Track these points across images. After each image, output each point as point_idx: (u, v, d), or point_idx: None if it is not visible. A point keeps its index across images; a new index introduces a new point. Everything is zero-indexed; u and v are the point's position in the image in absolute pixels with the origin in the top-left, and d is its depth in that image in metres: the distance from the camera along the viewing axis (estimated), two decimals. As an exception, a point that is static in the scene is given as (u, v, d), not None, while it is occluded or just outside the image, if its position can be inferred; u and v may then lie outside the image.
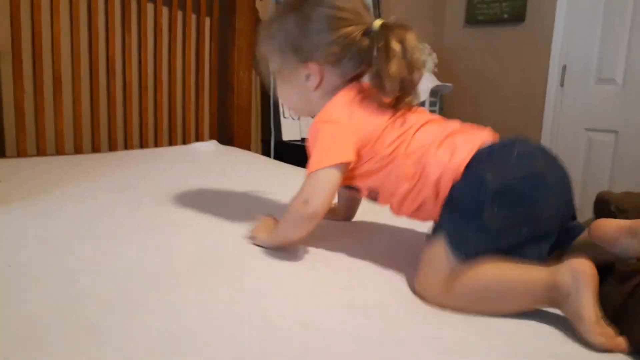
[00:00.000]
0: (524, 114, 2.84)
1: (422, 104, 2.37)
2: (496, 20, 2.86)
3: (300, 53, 0.79)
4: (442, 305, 0.64)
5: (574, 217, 0.74)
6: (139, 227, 0.85)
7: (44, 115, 1.45)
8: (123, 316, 0.55)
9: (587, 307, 0.56)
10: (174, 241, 0.79)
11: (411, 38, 0.76)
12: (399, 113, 0.77)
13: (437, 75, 2.54)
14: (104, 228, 0.84)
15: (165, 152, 1.59)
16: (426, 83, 2.35)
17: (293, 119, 2.04)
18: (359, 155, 0.74)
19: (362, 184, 0.79)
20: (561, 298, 0.59)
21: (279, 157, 1.96)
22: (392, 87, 0.74)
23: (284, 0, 0.86)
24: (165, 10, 1.73)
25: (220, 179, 1.26)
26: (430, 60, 2.52)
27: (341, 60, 0.78)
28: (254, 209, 0.99)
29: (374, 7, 2.48)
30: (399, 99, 0.77)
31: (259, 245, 0.79)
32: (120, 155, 1.52)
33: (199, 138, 1.87)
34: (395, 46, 0.74)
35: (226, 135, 1.93)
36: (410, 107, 0.79)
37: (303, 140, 2.04)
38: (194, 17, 1.81)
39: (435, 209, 0.72)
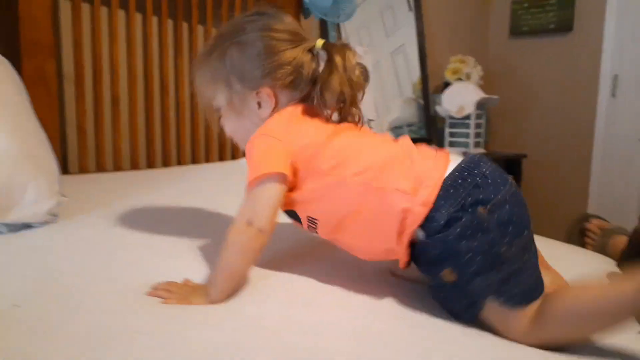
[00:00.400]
0: (574, 126, 2.77)
1: (468, 117, 2.35)
2: (542, 31, 2.82)
3: (249, 81, 0.77)
4: (541, 342, 0.61)
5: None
6: (193, 243, 0.89)
7: (104, 134, 1.54)
8: (184, 326, 0.59)
9: None
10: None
11: (351, 57, 0.76)
12: (342, 129, 0.75)
13: (483, 87, 2.52)
14: (162, 241, 0.89)
15: (216, 167, 1.65)
16: (472, 96, 2.33)
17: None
18: (294, 171, 0.71)
19: (302, 211, 0.74)
20: None
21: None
22: (332, 100, 0.74)
23: (218, 31, 0.84)
24: (200, 29, 1.80)
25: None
26: (475, 72, 2.50)
27: (293, 82, 0.76)
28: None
29: (417, 21, 2.50)
30: (342, 115, 0.77)
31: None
32: (174, 170, 1.59)
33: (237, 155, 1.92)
34: (338, 61, 0.74)
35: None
36: (356, 125, 0.78)
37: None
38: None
39: (398, 248, 0.68)
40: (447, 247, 0.63)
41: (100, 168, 1.54)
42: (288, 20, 0.79)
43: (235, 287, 0.68)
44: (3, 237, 0.87)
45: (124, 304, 0.63)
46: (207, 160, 1.81)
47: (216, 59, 0.78)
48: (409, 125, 2.46)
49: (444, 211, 0.64)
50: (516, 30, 2.92)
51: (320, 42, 0.77)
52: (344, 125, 0.77)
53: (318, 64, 0.77)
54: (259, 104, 0.77)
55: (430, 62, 2.57)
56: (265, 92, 0.76)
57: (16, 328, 0.55)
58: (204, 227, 0.97)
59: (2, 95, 0.98)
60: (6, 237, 0.87)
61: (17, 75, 1.12)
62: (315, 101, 0.76)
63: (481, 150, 2.43)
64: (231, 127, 0.82)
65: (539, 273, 0.65)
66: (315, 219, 0.73)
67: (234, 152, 1.90)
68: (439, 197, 0.65)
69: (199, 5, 1.73)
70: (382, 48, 2.38)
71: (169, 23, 1.70)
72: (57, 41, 1.47)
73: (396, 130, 2.41)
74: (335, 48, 0.76)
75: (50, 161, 1.00)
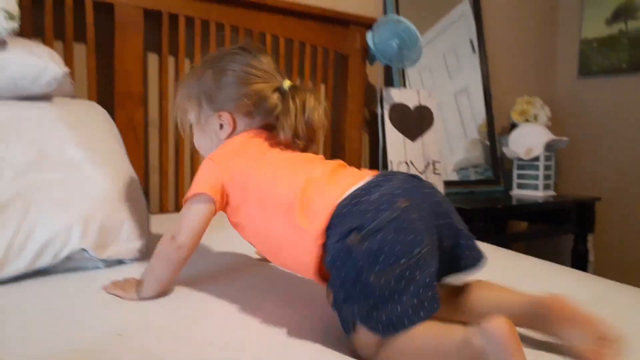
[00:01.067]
0: (651, 167, 2.64)
1: (536, 159, 2.31)
2: (614, 70, 2.75)
3: (214, 103, 0.87)
4: None
5: (466, 237, 0.70)
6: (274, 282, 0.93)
7: (183, 176, 1.65)
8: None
9: None
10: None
11: (311, 100, 0.84)
12: (284, 157, 0.81)
13: (551, 129, 2.47)
14: (236, 273, 0.94)
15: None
16: (540, 137, 2.29)
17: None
18: (226, 196, 0.78)
19: (241, 232, 0.82)
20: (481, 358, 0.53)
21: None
22: (285, 136, 0.82)
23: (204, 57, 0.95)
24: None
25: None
26: (542, 114, 2.46)
27: (252, 112, 0.86)
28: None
29: (481, 63, 2.51)
30: (303, 149, 0.84)
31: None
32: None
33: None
34: (294, 104, 0.82)
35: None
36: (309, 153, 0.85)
37: (412, 196, 2.08)
38: (310, 84, 1.97)
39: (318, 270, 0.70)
40: (329, 273, 0.66)
41: (178, 208, 1.64)
42: (265, 60, 0.88)
43: (159, 289, 0.80)
44: (101, 272, 0.95)
45: (222, 330, 0.67)
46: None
47: (194, 79, 0.90)
48: (475, 166, 2.45)
49: (332, 240, 0.66)
50: (585, 70, 2.86)
51: (287, 84, 0.86)
52: (294, 153, 0.83)
53: (282, 102, 0.84)
54: (221, 126, 0.87)
55: (495, 103, 2.56)
56: (225, 116, 0.86)
57: (124, 357, 0.61)
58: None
59: (103, 142, 1.09)
60: (104, 271, 0.96)
61: (114, 123, 1.24)
62: (275, 133, 0.84)
63: (551, 193, 2.36)
64: (197, 141, 0.93)
65: (427, 296, 0.60)
66: (255, 243, 0.81)
67: None
68: (329, 227, 0.67)
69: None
70: (445, 89, 2.40)
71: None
72: (145, 91, 1.61)
73: (462, 172, 2.40)
74: (296, 91, 0.85)
75: (141, 202, 1.09)
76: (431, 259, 0.63)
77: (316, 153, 0.86)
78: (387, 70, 2.26)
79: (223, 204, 0.79)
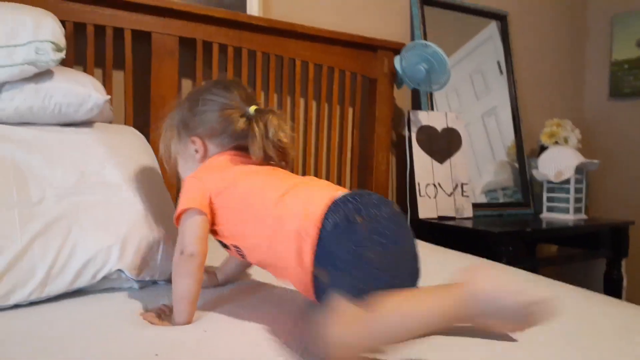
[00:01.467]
0: (688, 191, 2.57)
1: (567, 181, 2.27)
2: (646, 92, 2.70)
3: (188, 129, 0.95)
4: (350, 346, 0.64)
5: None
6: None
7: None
8: None
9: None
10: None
11: (274, 120, 0.90)
12: (258, 171, 0.88)
13: (582, 151, 2.44)
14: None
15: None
16: (570, 160, 2.27)
17: (428, 196, 2.09)
18: (213, 207, 0.85)
19: (229, 241, 0.87)
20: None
21: (415, 234, 2.00)
22: (256, 156, 0.89)
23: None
24: (314, 104, 1.94)
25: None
26: (572, 136, 2.44)
27: (220, 136, 0.94)
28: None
29: (509, 85, 2.51)
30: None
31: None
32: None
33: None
34: (258, 127, 0.89)
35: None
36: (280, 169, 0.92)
37: (440, 218, 2.07)
38: (339, 108, 2.00)
39: (301, 273, 0.76)
40: (325, 248, 0.72)
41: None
42: (236, 91, 0.96)
43: (190, 309, 0.82)
44: (136, 293, 0.99)
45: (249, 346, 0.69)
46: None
47: (176, 110, 1.00)
48: (504, 189, 2.43)
49: (330, 220, 0.73)
50: (617, 92, 2.82)
51: (252, 109, 0.93)
52: (267, 168, 0.90)
53: (248, 125, 0.91)
54: (196, 150, 0.95)
55: (524, 125, 2.55)
56: (197, 140, 0.95)
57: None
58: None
59: (140, 165, 1.14)
60: (139, 292, 0.99)
61: (150, 146, 1.29)
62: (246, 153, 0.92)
63: (582, 216, 2.32)
64: (180, 169, 1.00)
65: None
66: (241, 248, 0.86)
67: None
68: (326, 214, 0.74)
69: (300, 81, 1.88)
70: (472, 111, 2.40)
71: (275, 97, 1.86)
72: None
73: (490, 194, 2.38)
74: (260, 115, 0.91)
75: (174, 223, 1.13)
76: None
77: (287, 168, 0.95)
78: (415, 93, 2.28)
79: (212, 216, 0.86)
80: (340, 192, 0.79)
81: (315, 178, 0.91)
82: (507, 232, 1.89)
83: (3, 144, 0.98)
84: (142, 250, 1.00)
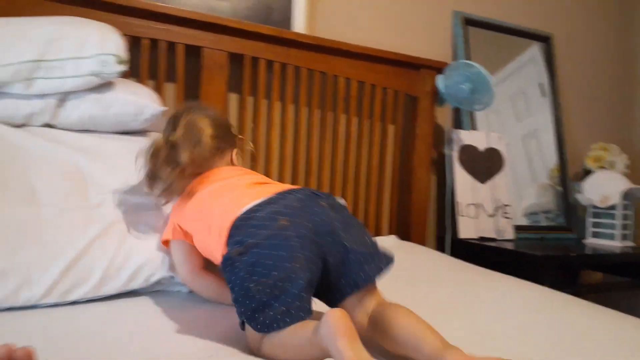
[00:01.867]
0: None
1: (613, 207, 2.21)
2: (698, 117, 2.62)
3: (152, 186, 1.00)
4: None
5: (356, 254, 0.77)
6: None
7: (256, 209, 1.72)
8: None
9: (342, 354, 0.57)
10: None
11: (180, 132, 0.97)
12: (215, 189, 0.93)
13: (630, 177, 2.37)
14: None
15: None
16: (617, 185, 2.21)
17: (469, 216, 2.07)
18: (184, 230, 0.93)
19: (204, 254, 0.93)
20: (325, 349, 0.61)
21: (455, 254, 1.98)
22: (192, 169, 0.97)
23: None
24: (355, 120, 1.96)
25: (403, 272, 1.33)
26: (620, 161, 2.37)
27: (163, 176, 0.96)
28: (431, 300, 1.04)
29: (553, 107, 2.47)
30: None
31: None
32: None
33: (379, 232, 1.99)
34: (178, 136, 0.96)
35: (403, 230, 2.03)
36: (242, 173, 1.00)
37: (481, 239, 2.05)
38: (380, 125, 2.02)
39: None
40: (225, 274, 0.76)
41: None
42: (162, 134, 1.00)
43: (221, 300, 0.96)
44: (184, 295, 1.01)
45: None
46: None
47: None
48: (546, 212, 2.38)
49: (227, 249, 0.78)
50: (666, 117, 2.74)
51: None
52: (219, 183, 0.95)
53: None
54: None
55: (568, 147, 2.50)
56: (160, 195, 1.00)
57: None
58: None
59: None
60: (187, 295, 1.01)
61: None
62: None
63: (630, 244, 2.25)
64: None
65: (294, 305, 0.69)
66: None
67: (380, 230, 1.98)
68: (229, 238, 0.79)
69: (343, 98, 1.91)
70: (513, 133, 2.38)
71: (318, 113, 1.89)
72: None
73: (532, 217, 2.33)
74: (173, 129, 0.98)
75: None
76: (303, 273, 0.71)
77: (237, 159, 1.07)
78: (456, 113, 2.28)
79: (189, 238, 0.94)
80: (251, 202, 0.82)
81: (257, 183, 0.94)
82: (551, 256, 1.84)
83: (68, 150, 1.03)
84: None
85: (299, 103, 1.83)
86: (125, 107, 1.13)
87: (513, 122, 2.39)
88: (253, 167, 1.72)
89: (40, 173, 0.98)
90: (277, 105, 1.79)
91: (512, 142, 2.36)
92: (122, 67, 1.11)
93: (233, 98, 1.77)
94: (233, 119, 1.74)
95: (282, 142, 1.80)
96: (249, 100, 1.76)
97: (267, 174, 1.75)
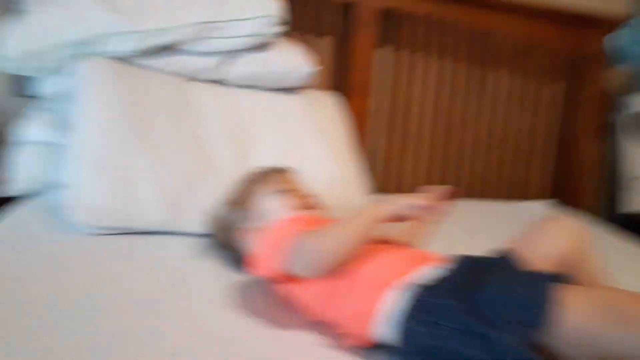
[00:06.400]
0: None
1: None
2: None
3: None
4: None
5: None
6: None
7: (405, 160, 1.76)
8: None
9: None
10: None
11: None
12: None
13: None
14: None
15: (500, 207, 1.70)
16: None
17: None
18: None
19: None
20: None
21: (618, 229, 1.79)
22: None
23: None
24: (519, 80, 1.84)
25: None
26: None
27: None
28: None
29: None
30: None
31: None
32: (461, 204, 1.66)
33: (536, 196, 1.90)
34: None
35: (561, 196, 1.90)
36: None
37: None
38: (536, 86, 1.87)
39: None
40: None
41: (399, 190, 1.74)
42: None
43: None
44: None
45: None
46: (495, 197, 1.85)
47: None
48: None
49: None
50: None
51: None
52: None
53: None
54: None
55: None
56: None
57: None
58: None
59: (332, 129, 1.26)
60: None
61: (346, 111, 1.39)
62: None
63: None
64: None
65: None
66: None
67: (526, 194, 1.90)
68: None
69: (493, 53, 1.81)
70: None
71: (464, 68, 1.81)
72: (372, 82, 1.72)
73: None
74: None
75: (363, 184, 1.24)
76: None
77: None
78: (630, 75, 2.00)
79: None
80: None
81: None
82: None
83: (234, 109, 1.17)
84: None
85: (445, 61, 1.77)
86: (282, 66, 1.23)
87: None
88: (403, 124, 1.74)
89: (206, 125, 1.13)
90: (430, 61, 1.76)
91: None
92: (281, 28, 1.20)
93: (381, 53, 1.75)
94: (382, 74, 1.75)
95: (436, 99, 1.77)
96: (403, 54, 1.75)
97: (419, 129, 1.76)
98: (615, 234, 1.53)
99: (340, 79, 1.69)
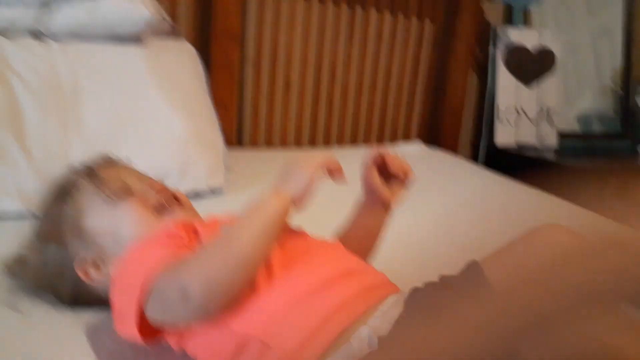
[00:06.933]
0: None
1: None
2: None
3: None
4: None
5: None
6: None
7: (274, 113, 1.70)
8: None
9: None
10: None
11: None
12: None
13: None
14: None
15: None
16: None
17: (509, 121, 1.93)
18: None
19: None
20: None
21: (489, 163, 1.88)
22: None
23: None
24: (388, 17, 1.80)
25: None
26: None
27: None
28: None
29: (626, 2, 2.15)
30: None
31: None
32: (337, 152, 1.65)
33: (407, 138, 1.92)
34: None
35: (433, 136, 1.94)
36: None
37: (519, 146, 1.93)
38: (415, 22, 1.84)
39: None
40: None
41: (268, 142, 1.70)
42: None
43: None
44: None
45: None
46: (366, 141, 1.85)
47: None
48: (600, 118, 2.17)
49: None
50: None
51: None
52: None
53: None
54: None
55: (636, 47, 2.21)
56: None
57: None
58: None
59: (181, 82, 1.16)
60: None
61: (200, 61, 1.29)
62: None
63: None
64: None
65: None
66: None
67: (393, 135, 1.91)
68: None
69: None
70: (581, 29, 2.12)
71: (344, 9, 1.74)
72: (242, 29, 1.63)
73: (584, 123, 2.14)
74: None
75: (218, 141, 1.16)
76: None
77: None
78: (507, 8, 2.04)
79: None
80: None
81: None
82: (598, 168, 1.70)
83: (59, 64, 1.03)
84: (180, 166, 1.04)
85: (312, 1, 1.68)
86: (116, 13, 1.10)
87: (583, 17, 2.13)
88: (272, 74, 1.67)
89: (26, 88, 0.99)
90: (300, 3, 1.67)
91: (581, 40, 2.12)
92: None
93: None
94: (251, 20, 1.65)
95: (304, 45, 1.70)
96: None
97: (286, 78, 1.69)
98: (479, 169, 1.58)
99: (203, 25, 1.57)
